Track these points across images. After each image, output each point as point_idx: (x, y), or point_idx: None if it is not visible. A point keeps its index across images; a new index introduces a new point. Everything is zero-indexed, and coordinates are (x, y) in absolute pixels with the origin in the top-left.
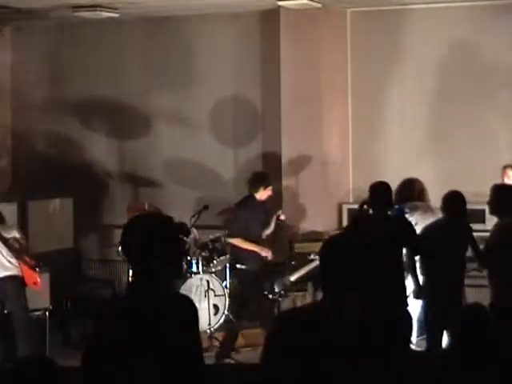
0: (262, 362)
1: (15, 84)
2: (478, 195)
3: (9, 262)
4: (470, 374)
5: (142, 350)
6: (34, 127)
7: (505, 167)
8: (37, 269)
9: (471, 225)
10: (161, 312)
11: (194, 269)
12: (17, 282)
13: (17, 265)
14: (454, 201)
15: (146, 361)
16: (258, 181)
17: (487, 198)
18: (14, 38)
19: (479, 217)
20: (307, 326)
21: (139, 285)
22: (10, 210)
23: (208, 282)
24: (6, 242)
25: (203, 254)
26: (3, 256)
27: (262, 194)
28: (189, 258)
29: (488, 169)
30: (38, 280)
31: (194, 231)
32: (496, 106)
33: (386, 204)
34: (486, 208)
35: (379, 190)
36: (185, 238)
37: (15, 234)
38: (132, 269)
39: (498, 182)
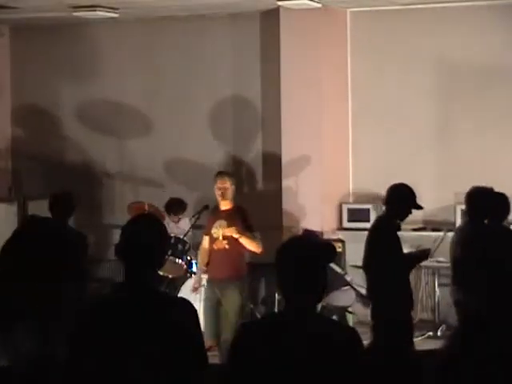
0: (226, 371)
1: (15, 84)
2: None
3: None
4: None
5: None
6: (33, 127)
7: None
8: None
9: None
10: (147, 309)
11: (194, 269)
12: None
13: None
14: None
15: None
16: None
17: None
18: (14, 37)
19: None
20: (269, 338)
21: (125, 283)
22: (10, 210)
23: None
24: None
25: None
26: None
27: None
28: (189, 258)
29: (488, 168)
30: None
31: (187, 221)
32: (496, 106)
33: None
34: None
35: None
36: (185, 239)
37: None
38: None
39: (500, 182)
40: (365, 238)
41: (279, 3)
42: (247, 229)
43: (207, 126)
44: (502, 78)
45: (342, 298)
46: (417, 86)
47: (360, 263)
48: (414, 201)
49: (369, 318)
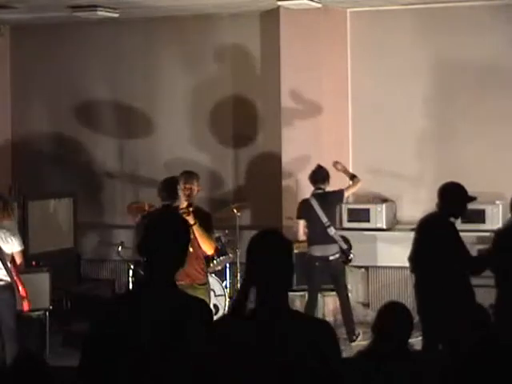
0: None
1: (15, 84)
2: (477, 194)
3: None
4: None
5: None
6: (33, 127)
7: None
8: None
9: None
10: (165, 307)
11: None
12: (11, 290)
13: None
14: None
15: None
16: None
17: (486, 198)
18: (14, 37)
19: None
20: (243, 338)
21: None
22: None
23: (208, 282)
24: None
25: None
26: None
27: None
28: None
29: (488, 168)
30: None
31: None
32: (496, 106)
33: None
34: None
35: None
36: None
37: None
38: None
39: (500, 182)
40: (365, 238)
41: (279, 3)
42: (205, 228)
43: (207, 126)
44: (502, 78)
45: (323, 249)
46: (417, 86)
47: (360, 263)
48: (467, 195)
49: (369, 318)
